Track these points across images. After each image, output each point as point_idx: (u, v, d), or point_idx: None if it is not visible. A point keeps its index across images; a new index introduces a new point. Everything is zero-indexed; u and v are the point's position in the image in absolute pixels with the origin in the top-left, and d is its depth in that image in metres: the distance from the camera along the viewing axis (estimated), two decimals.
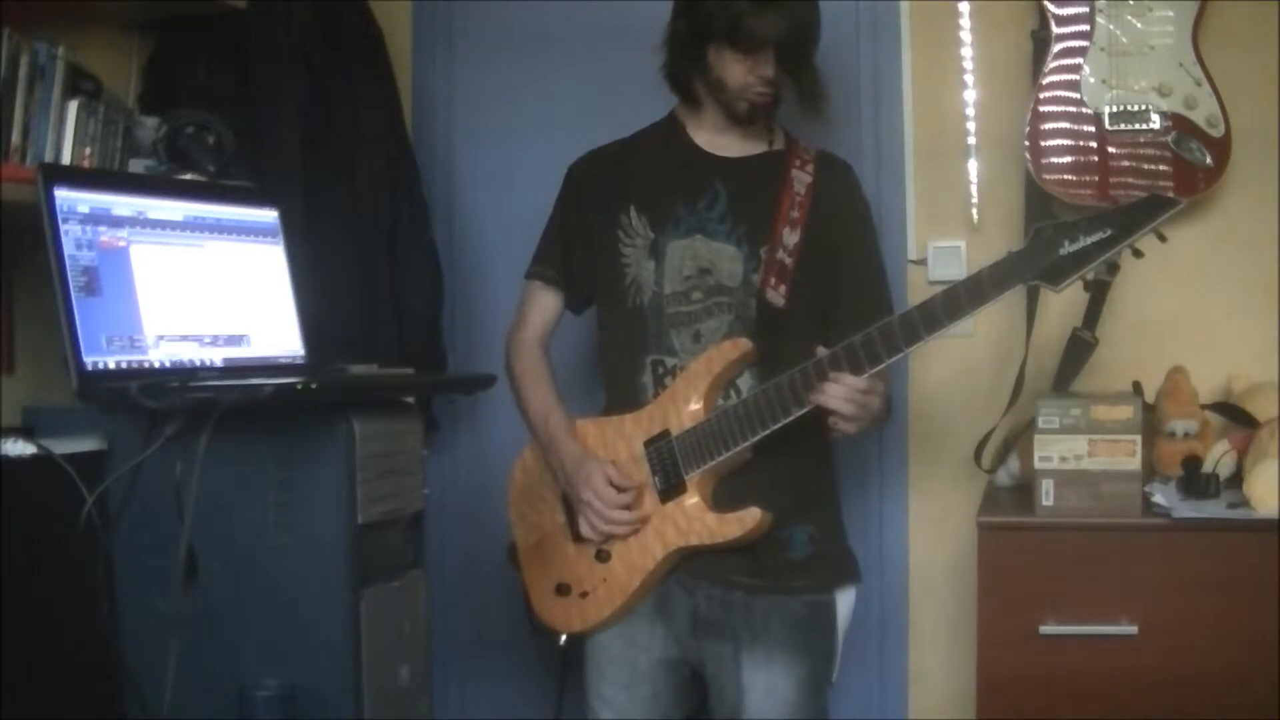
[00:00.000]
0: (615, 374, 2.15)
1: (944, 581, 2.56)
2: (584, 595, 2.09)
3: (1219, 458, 2.14)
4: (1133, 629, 1.99)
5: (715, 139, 2.15)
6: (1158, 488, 2.11)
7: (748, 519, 1.97)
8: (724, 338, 2.06)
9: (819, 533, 2.08)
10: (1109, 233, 1.77)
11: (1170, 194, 2.32)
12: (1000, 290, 1.84)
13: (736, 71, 2.04)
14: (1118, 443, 2.03)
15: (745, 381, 2.05)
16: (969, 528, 2.12)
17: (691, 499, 2.02)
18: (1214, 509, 2.01)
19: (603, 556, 2.07)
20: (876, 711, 2.62)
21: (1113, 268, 1.84)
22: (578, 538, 2.09)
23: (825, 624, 2.08)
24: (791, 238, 2.08)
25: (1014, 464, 2.38)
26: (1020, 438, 2.37)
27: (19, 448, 1.82)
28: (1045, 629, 2.01)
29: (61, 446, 1.83)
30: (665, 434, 2.04)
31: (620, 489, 2.03)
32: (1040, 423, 2.07)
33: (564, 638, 2.11)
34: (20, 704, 1.77)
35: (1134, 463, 2.03)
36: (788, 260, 2.07)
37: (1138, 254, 1.80)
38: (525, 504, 2.19)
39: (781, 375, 1.94)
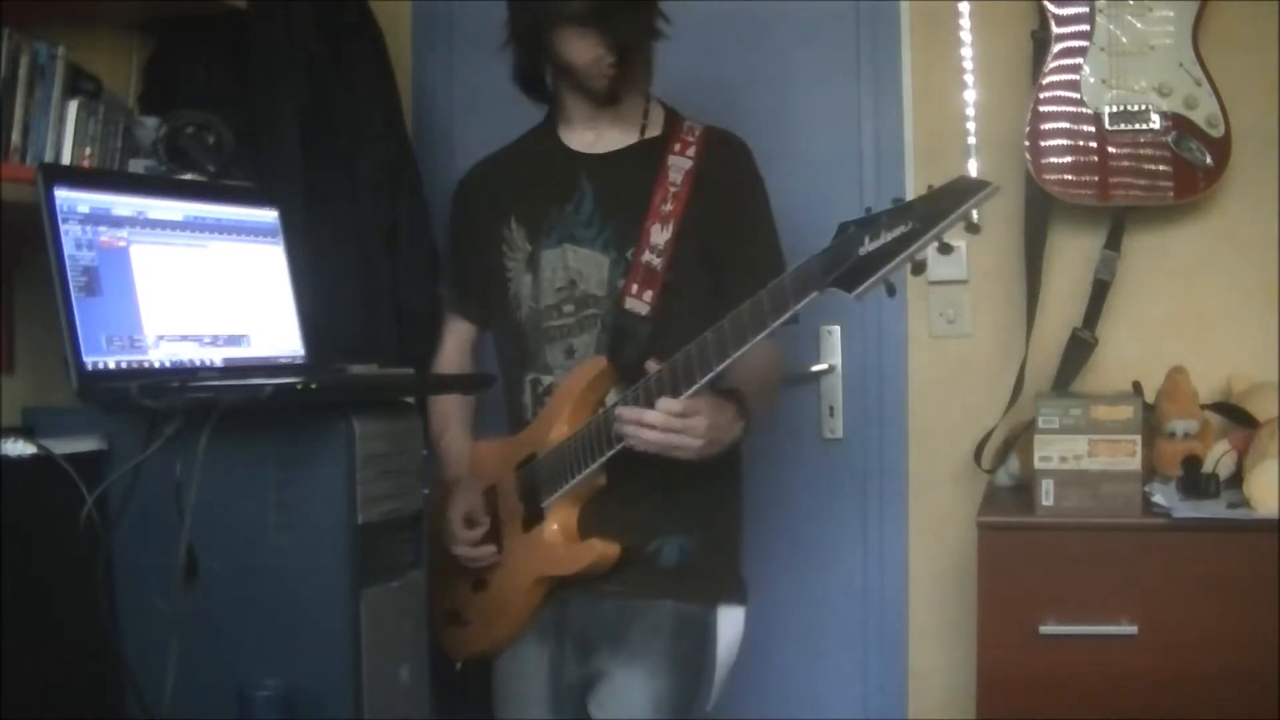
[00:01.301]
0: (506, 392, 2.10)
1: (944, 581, 2.56)
2: (467, 625, 2.08)
3: (1219, 458, 2.15)
4: (1133, 629, 1.99)
5: (584, 135, 2.05)
6: (1158, 488, 2.11)
7: (591, 551, 1.92)
8: (593, 353, 1.98)
9: (695, 546, 1.97)
10: (910, 226, 1.54)
11: (1170, 194, 2.35)
12: (800, 298, 1.66)
13: (581, 49, 1.94)
14: (1118, 443, 2.04)
15: (614, 398, 1.94)
16: (969, 528, 2.12)
17: (550, 527, 1.96)
18: (1214, 509, 2.02)
19: (479, 585, 2.06)
20: (876, 711, 2.62)
21: (918, 266, 1.59)
22: (462, 566, 2.08)
23: (695, 639, 1.96)
24: (662, 235, 1.95)
25: (1014, 464, 2.39)
26: (1020, 438, 2.37)
27: (19, 448, 1.82)
28: (1045, 629, 2.02)
29: (61, 446, 1.83)
30: (532, 457, 1.99)
31: (474, 523, 2.03)
32: (1040, 423, 2.07)
33: (459, 665, 2.10)
34: (20, 704, 1.77)
35: (1134, 463, 2.04)
36: (656, 262, 1.94)
37: (945, 249, 1.57)
38: (435, 524, 2.13)
39: (619, 398, 1.87)
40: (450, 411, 2.17)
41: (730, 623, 2.01)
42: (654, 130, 2.05)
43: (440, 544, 2.10)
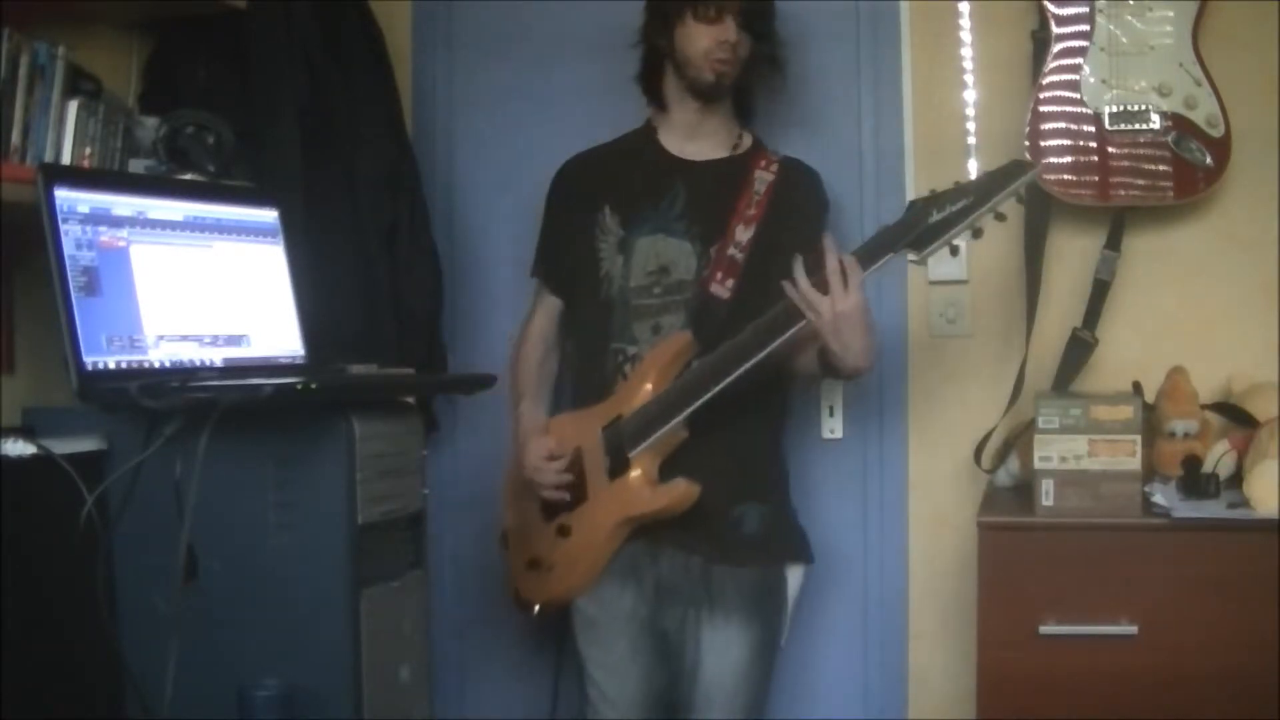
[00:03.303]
0: (585, 360, 2.33)
1: (944, 581, 2.56)
2: (550, 569, 2.28)
3: (1219, 458, 2.15)
4: (1133, 629, 1.99)
5: (684, 144, 2.32)
6: (1158, 488, 2.11)
7: (676, 490, 2.13)
8: (679, 330, 2.21)
9: (770, 513, 2.24)
10: (971, 199, 1.91)
11: (1170, 194, 2.35)
12: (874, 260, 1.97)
13: (700, 40, 2.20)
14: (1118, 443, 2.04)
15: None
16: (969, 528, 2.12)
17: (634, 473, 2.16)
18: (1214, 509, 2.01)
19: (564, 532, 2.26)
20: (877, 711, 2.62)
21: (978, 232, 1.95)
22: (547, 516, 2.29)
23: (775, 595, 2.25)
24: (745, 234, 2.23)
25: (1014, 464, 2.38)
26: (1020, 438, 2.37)
27: (19, 448, 1.82)
28: (1045, 629, 2.01)
29: (61, 446, 1.83)
30: (619, 418, 2.20)
31: (555, 457, 2.24)
32: (1040, 423, 2.07)
33: (537, 608, 2.32)
34: (20, 704, 1.77)
35: (1134, 463, 2.04)
36: (739, 255, 2.22)
37: (1000, 217, 1.95)
38: (514, 490, 2.37)
39: (707, 356, 2.11)
40: (526, 383, 2.39)
41: (796, 577, 2.30)
42: (743, 148, 2.35)
43: (519, 500, 2.34)
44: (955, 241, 1.94)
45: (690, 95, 2.27)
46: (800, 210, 2.29)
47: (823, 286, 1.96)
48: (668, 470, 2.17)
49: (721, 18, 2.19)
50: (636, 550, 2.23)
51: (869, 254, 1.98)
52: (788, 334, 2.02)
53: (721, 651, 2.20)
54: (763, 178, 2.28)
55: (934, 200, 1.94)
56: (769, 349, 2.04)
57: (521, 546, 2.35)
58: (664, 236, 2.25)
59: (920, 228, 1.93)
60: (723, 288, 2.21)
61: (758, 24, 2.23)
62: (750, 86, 2.34)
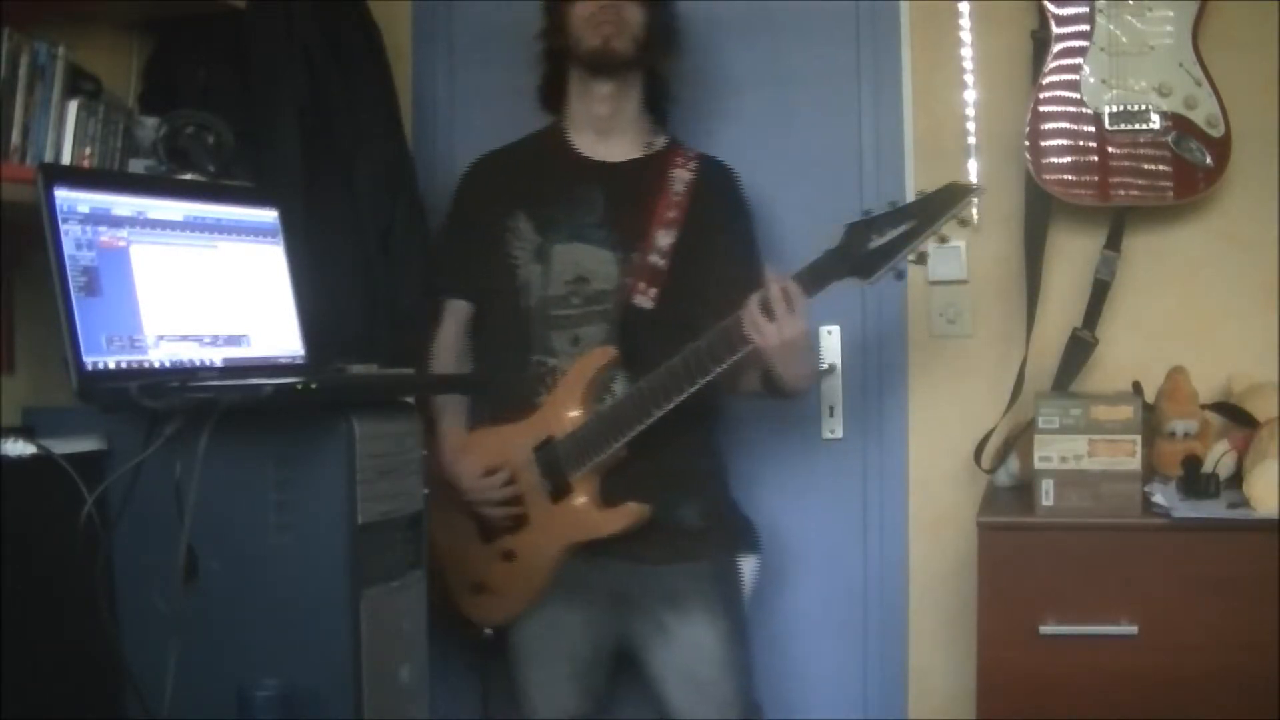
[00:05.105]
0: (503, 369, 2.26)
1: (944, 581, 2.56)
2: (497, 593, 2.24)
3: (1219, 458, 2.15)
4: (1133, 629, 1.99)
5: (595, 145, 2.27)
6: (1158, 488, 2.11)
7: (629, 513, 2.13)
8: (600, 342, 2.18)
9: (708, 508, 2.24)
10: (912, 224, 1.90)
11: (1170, 194, 2.35)
12: (819, 287, 1.96)
13: (584, 10, 2.17)
14: (1118, 443, 2.04)
15: (620, 384, 2.17)
16: (969, 528, 2.12)
17: (579, 498, 2.16)
18: (1214, 509, 2.02)
19: (509, 557, 2.22)
20: (876, 711, 2.62)
21: (921, 256, 1.95)
22: (486, 538, 2.24)
23: (733, 585, 2.25)
24: (666, 239, 2.18)
25: (1014, 464, 2.39)
26: (1020, 438, 2.37)
27: (19, 448, 1.82)
28: (1045, 629, 2.02)
29: (61, 446, 1.83)
30: (550, 440, 2.17)
31: (492, 471, 2.20)
32: (1040, 423, 2.07)
33: (487, 631, 2.27)
34: (20, 704, 1.77)
35: (1134, 463, 2.04)
36: (660, 262, 2.18)
37: (942, 239, 1.97)
38: (442, 507, 2.22)
39: (646, 379, 2.08)
40: (446, 398, 2.33)
41: (749, 567, 2.29)
42: (658, 146, 2.30)
43: (449, 517, 2.23)
44: (899, 268, 1.94)
45: (588, 75, 2.22)
46: (721, 212, 2.26)
47: (768, 312, 1.96)
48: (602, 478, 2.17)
49: None
50: (580, 565, 2.19)
51: (813, 279, 1.97)
52: (731, 359, 2.01)
53: (693, 649, 2.18)
54: (681, 176, 2.23)
55: (872, 224, 1.93)
56: (712, 375, 2.03)
57: (462, 569, 2.28)
58: (582, 244, 2.21)
59: (861, 253, 1.92)
60: (646, 298, 2.17)
61: None
62: (661, 81, 2.29)
